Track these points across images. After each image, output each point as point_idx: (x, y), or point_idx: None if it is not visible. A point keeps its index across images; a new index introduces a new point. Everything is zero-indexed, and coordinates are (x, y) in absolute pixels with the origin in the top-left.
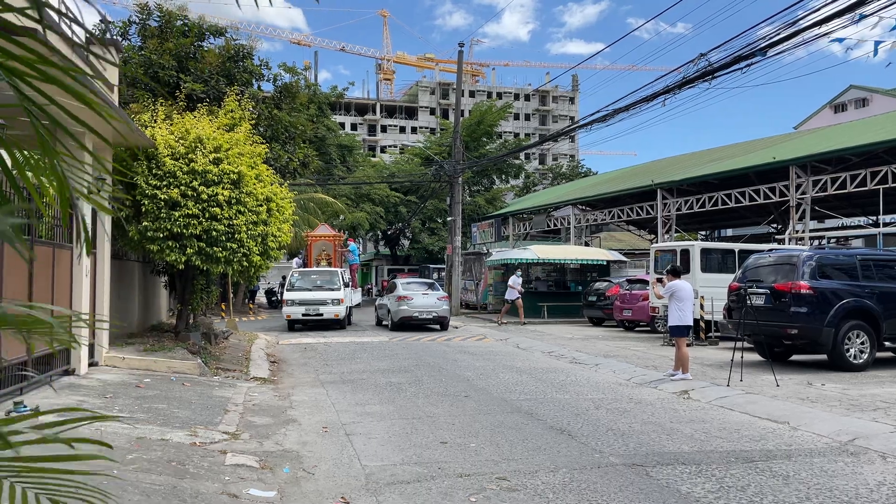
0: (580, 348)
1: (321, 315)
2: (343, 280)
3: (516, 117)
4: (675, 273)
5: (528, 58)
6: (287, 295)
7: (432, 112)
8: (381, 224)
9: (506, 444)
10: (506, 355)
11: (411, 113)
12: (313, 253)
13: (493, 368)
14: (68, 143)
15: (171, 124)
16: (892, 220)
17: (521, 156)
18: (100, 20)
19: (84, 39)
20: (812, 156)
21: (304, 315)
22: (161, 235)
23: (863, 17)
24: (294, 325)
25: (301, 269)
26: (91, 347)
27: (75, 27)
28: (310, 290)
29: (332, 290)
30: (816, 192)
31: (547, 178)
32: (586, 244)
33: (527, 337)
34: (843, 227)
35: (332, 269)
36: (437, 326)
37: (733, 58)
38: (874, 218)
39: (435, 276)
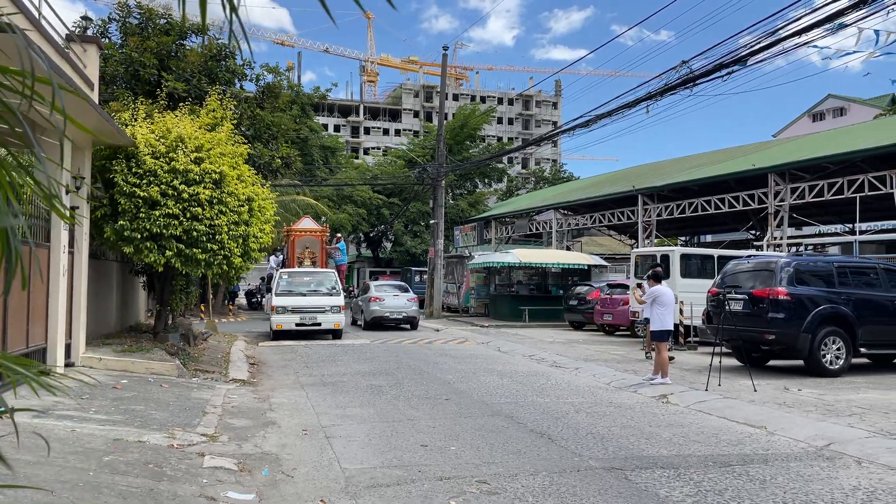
0: (561, 352)
1: (319, 325)
2: (340, 283)
3: (499, 121)
4: (657, 278)
5: (512, 62)
6: (277, 301)
7: (416, 115)
8: (364, 226)
9: (486, 448)
10: (487, 359)
11: (395, 115)
12: (296, 250)
13: (473, 371)
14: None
15: (152, 123)
16: (869, 228)
17: (504, 160)
18: (80, 17)
19: (64, 37)
20: (790, 164)
21: (298, 325)
22: (139, 236)
23: (842, 26)
24: (281, 336)
25: (289, 270)
26: (67, 348)
27: (56, 24)
28: (304, 294)
29: (331, 294)
30: (794, 200)
31: (529, 182)
32: (568, 248)
33: (508, 340)
34: (821, 235)
35: (326, 270)
36: (408, 326)
37: (715, 65)
38: (851, 226)
39: (417, 278)
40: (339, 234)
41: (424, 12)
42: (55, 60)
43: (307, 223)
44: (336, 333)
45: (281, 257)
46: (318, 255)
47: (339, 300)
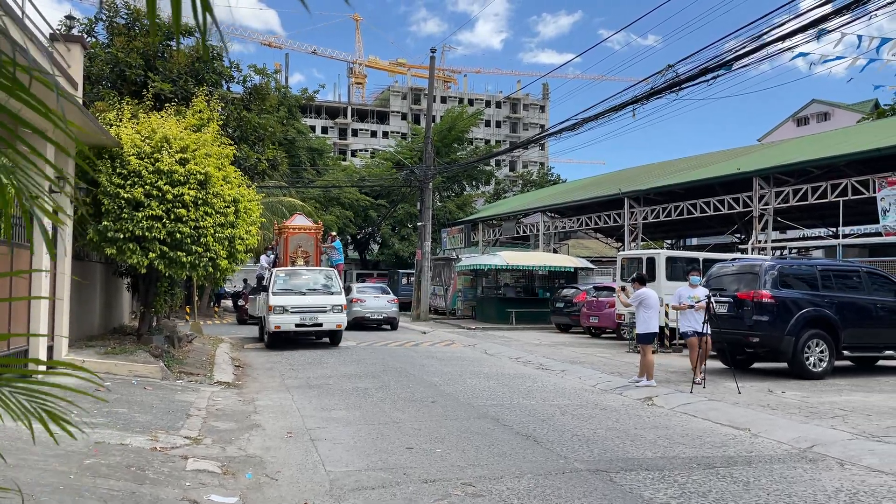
0: (547, 354)
1: (320, 325)
2: (340, 282)
3: (487, 124)
4: (642, 281)
5: (500, 66)
6: (274, 300)
7: (404, 117)
8: (351, 228)
9: (472, 450)
10: (473, 361)
11: (383, 117)
12: (289, 248)
13: (460, 374)
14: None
15: (137, 123)
16: (852, 232)
17: (492, 162)
18: (65, 16)
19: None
20: (775, 168)
21: (298, 325)
22: (122, 237)
23: (825, 32)
24: (279, 339)
25: (285, 268)
26: (50, 349)
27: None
28: (303, 293)
29: (332, 293)
30: (779, 204)
31: (517, 184)
32: (555, 251)
33: (494, 343)
34: (805, 238)
35: (326, 268)
36: (388, 327)
37: (700, 69)
38: (834, 229)
39: (404, 281)
40: (333, 233)
41: (413, 15)
42: (38, 59)
43: (300, 220)
44: (335, 337)
45: (272, 256)
46: (313, 253)
47: (341, 299)
